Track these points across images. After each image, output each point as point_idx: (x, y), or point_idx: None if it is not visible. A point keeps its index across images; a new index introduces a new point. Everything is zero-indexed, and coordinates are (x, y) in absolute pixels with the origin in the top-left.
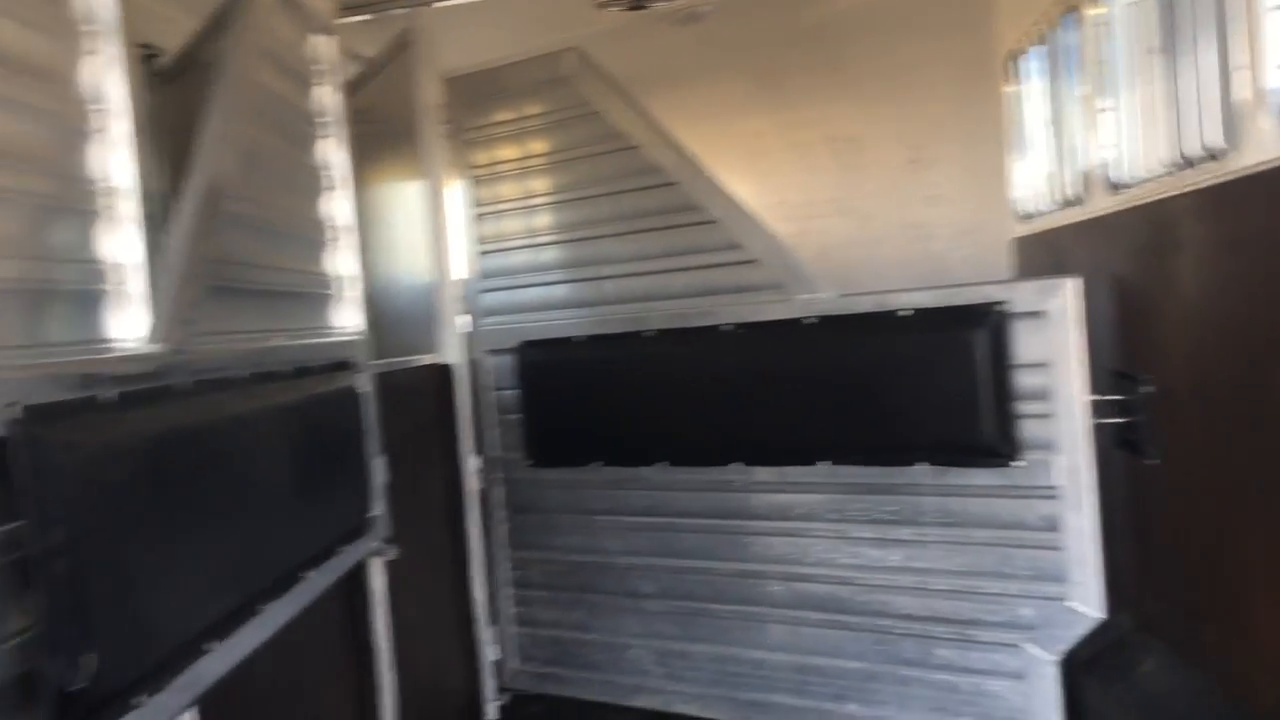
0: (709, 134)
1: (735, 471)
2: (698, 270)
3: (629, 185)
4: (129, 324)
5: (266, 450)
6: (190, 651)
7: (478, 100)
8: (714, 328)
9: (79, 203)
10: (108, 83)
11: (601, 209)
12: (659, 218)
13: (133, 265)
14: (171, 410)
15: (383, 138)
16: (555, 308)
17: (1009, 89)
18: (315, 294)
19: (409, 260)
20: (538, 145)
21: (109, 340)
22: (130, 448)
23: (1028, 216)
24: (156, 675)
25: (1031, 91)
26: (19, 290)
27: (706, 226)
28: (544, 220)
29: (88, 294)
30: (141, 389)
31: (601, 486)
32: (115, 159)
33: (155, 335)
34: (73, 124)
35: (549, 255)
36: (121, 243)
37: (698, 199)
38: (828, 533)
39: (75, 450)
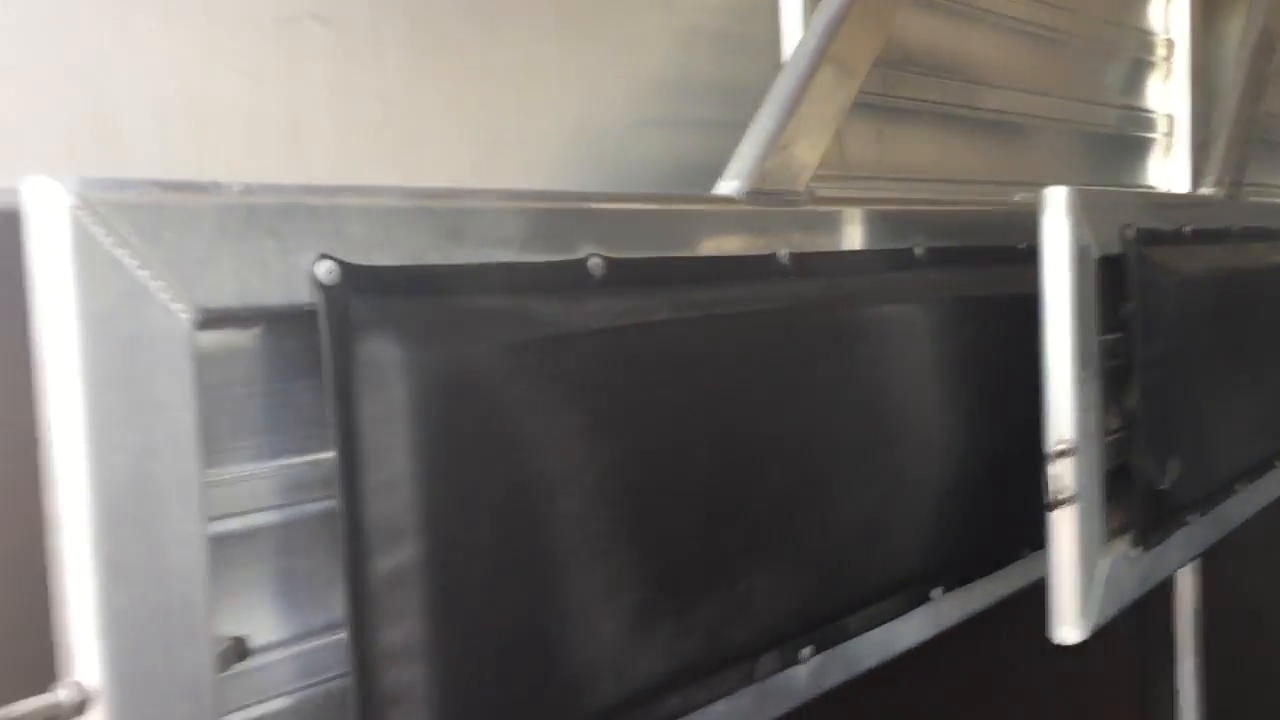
0: None
1: None
2: None
3: None
4: (1171, 171)
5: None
6: (1225, 489)
7: None
8: None
9: (1139, 52)
10: None
11: None
12: None
13: (1182, 116)
14: (1231, 252)
15: None
16: None
17: None
18: None
19: None
20: None
21: (1150, 185)
22: (1206, 279)
23: None
24: (1203, 501)
25: None
26: (1074, 132)
27: None
28: None
29: (1130, 139)
30: (1206, 229)
31: None
32: (1175, 11)
33: (1207, 182)
34: None
35: None
36: (1175, 94)
37: None
38: None
39: (1173, 273)
